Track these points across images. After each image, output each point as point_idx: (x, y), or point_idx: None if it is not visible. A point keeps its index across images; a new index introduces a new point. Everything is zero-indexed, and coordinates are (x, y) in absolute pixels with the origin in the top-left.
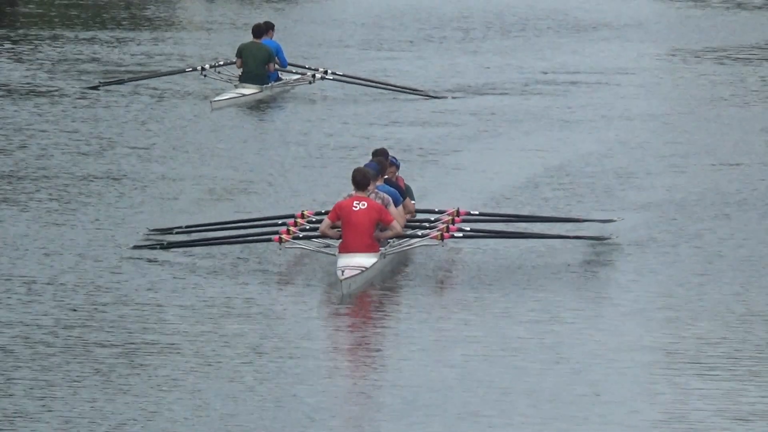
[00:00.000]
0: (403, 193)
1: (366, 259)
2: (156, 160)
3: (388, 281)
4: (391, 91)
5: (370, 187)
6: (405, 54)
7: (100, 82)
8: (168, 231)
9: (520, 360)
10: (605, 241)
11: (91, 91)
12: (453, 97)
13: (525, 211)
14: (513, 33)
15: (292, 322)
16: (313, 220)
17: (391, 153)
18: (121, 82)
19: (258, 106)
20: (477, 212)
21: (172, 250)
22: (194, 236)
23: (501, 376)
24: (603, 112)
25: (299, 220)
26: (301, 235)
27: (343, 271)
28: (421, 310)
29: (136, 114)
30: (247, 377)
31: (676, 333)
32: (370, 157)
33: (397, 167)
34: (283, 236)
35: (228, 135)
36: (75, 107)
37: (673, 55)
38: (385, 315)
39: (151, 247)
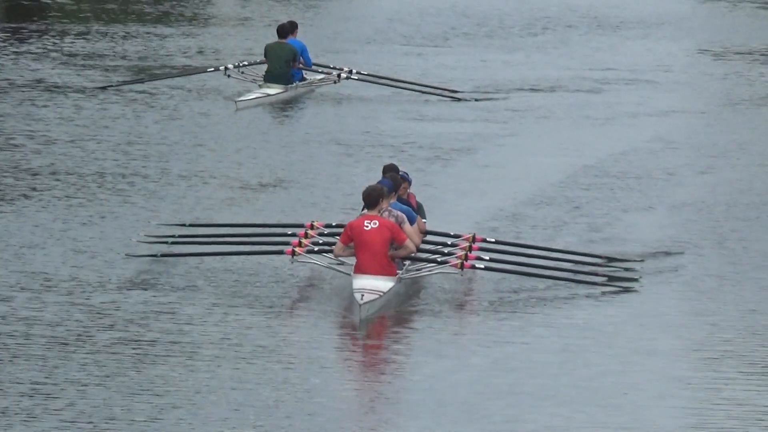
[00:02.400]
0: (416, 212)
1: (383, 283)
2: (177, 159)
3: (404, 303)
4: (417, 92)
5: (383, 205)
6: (437, 51)
7: (119, 82)
8: (165, 239)
9: (544, 367)
10: (630, 286)
11: (107, 89)
12: (476, 99)
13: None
14: (546, 30)
15: (309, 344)
16: (325, 232)
17: (412, 158)
18: (141, 81)
19: (283, 106)
20: (494, 239)
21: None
22: (198, 240)
23: (526, 383)
24: (635, 110)
25: (309, 232)
26: (316, 249)
27: (362, 295)
28: (442, 325)
29: (159, 112)
30: (263, 394)
31: (707, 337)
32: (394, 159)
33: (409, 183)
34: (296, 249)
35: (251, 135)
36: (98, 104)
37: (706, 53)
38: (404, 334)
39: (150, 255)
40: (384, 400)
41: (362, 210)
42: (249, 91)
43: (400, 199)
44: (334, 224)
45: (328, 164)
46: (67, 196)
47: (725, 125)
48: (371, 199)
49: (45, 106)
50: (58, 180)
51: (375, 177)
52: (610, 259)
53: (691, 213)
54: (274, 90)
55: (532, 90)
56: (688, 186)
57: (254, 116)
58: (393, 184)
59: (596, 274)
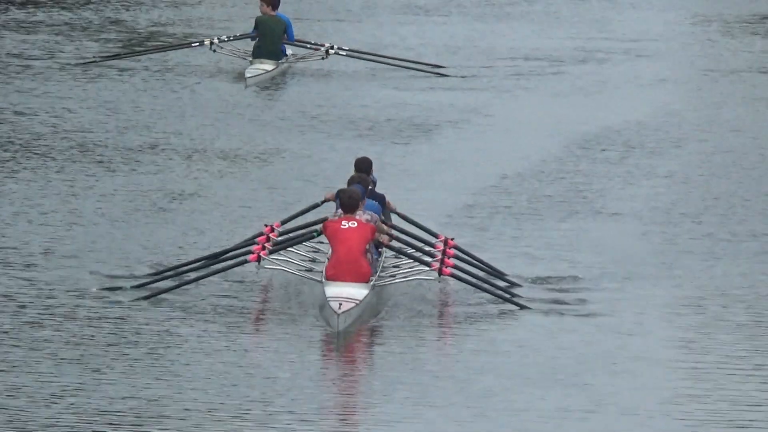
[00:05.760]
0: (383, 205)
1: (358, 291)
2: (164, 135)
3: (380, 311)
4: (402, 68)
5: (359, 208)
6: (428, 21)
7: (97, 58)
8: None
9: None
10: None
11: (85, 65)
12: (462, 76)
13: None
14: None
15: (287, 358)
16: (288, 228)
17: (397, 134)
18: (119, 56)
19: (279, 83)
20: (466, 250)
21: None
22: (159, 278)
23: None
24: (625, 80)
25: (271, 235)
26: (282, 243)
27: (340, 305)
28: (421, 333)
29: (140, 88)
30: (243, 413)
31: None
32: (376, 136)
33: (374, 184)
34: (261, 254)
35: (249, 111)
36: (78, 79)
37: (697, 23)
38: (383, 344)
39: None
40: (371, 413)
41: (337, 211)
42: (248, 67)
43: (371, 195)
44: (288, 217)
45: (316, 142)
46: (37, 169)
47: (714, 95)
48: (352, 203)
49: (20, 79)
50: (33, 154)
51: (339, 197)
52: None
53: (682, 186)
54: (268, 66)
55: (522, 62)
56: (679, 157)
57: (247, 92)
58: (364, 189)
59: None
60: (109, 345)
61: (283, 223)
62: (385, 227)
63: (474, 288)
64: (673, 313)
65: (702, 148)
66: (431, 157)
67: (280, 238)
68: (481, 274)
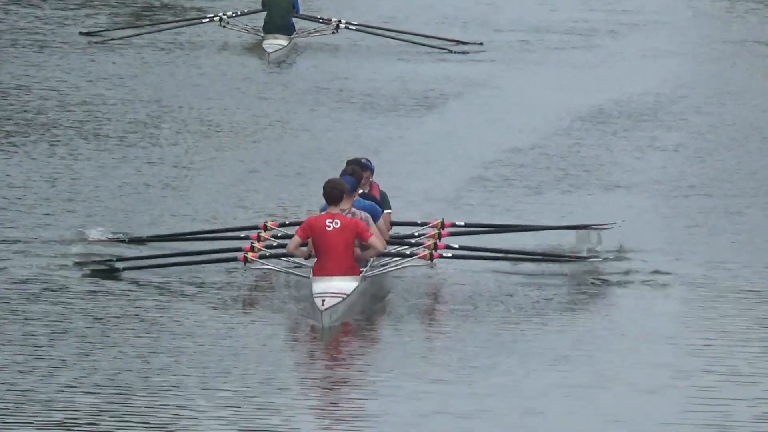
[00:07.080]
0: (380, 204)
1: (346, 284)
2: (178, 112)
3: (369, 304)
4: (412, 43)
5: (345, 204)
6: None
7: (89, 32)
8: (108, 261)
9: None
10: (604, 260)
11: (90, 36)
12: (464, 52)
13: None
14: None
15: (265, 357)
16: (279, 234)
17: (403, 107)
18: (124, 30)
19: (292, 57)
20: (463, 223)
21: (124, 270)
22: (144, 256)
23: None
24: (637, 53)
25: (263, 234)
26: (268, 254)
27: (323, 300)
28: (409, 329)
29: (148, 64)
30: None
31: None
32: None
33: (372, 171)
34: (249, 255)
35: (271, 87)
36: (83, 55)
37: None
38: (369, 343)
39: (99, 269)
40: (349, 418)
41: (323, 206)
42: (264, 41)
43: (363, 195)
44: (288, 222)
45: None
46: (41, 142)
47: (724, 67)
48: (334, 194)
49: (27, 54)
50: (39, 127)
51: (323, 187)
52: (585, 227)
53: (694, 158)
54: (283, 41)
55: (530, 35)
56: (687, 129)
57: (255, 67)
58: (355, 180)
59: (569, 258)
60: (97, 320)
61: (281, 226)
62: (377, 243)
63: (479, 260)
64: (680, 287)
65: (711, 120)
66: (440, 130)
67: (271, 244)
68: (484, 245)
